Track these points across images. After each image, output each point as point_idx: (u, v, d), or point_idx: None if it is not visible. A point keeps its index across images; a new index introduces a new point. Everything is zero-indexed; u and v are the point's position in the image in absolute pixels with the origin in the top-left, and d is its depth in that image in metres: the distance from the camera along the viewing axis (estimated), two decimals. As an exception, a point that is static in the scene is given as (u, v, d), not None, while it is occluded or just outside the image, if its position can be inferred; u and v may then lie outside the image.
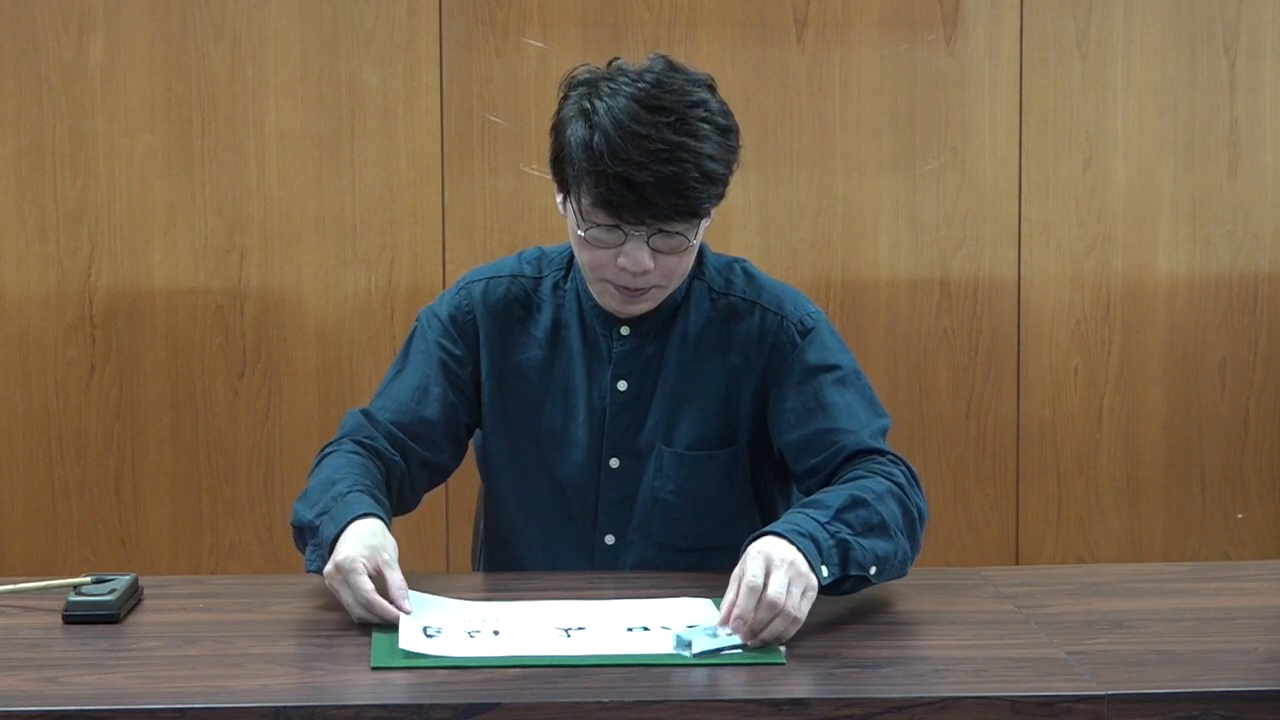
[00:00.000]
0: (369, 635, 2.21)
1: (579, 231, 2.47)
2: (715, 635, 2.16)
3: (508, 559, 2.68)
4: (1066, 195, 3.97)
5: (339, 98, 3.87)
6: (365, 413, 2.60)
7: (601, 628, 2.24)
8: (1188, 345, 4.02)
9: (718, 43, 3.89)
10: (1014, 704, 2.01)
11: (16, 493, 3.91)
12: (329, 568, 2.28)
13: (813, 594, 2.21)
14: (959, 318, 3.98)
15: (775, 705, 2.00)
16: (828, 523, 2.28)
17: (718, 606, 2.29)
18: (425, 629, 2.21)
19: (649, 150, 2.38)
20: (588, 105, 2.43)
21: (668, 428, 2.58)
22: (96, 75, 3.83)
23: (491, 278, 2.65)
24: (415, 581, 2.34)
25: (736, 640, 2.15)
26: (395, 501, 2.53)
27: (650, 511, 2.59)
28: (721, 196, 2.48)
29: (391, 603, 2.25)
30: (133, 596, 2.37)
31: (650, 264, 2.45)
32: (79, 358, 3.89)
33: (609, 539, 2.61)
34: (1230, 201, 3.99)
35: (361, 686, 2.06)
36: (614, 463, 2.59)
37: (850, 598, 2.33)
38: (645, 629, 2.23)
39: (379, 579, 2.27)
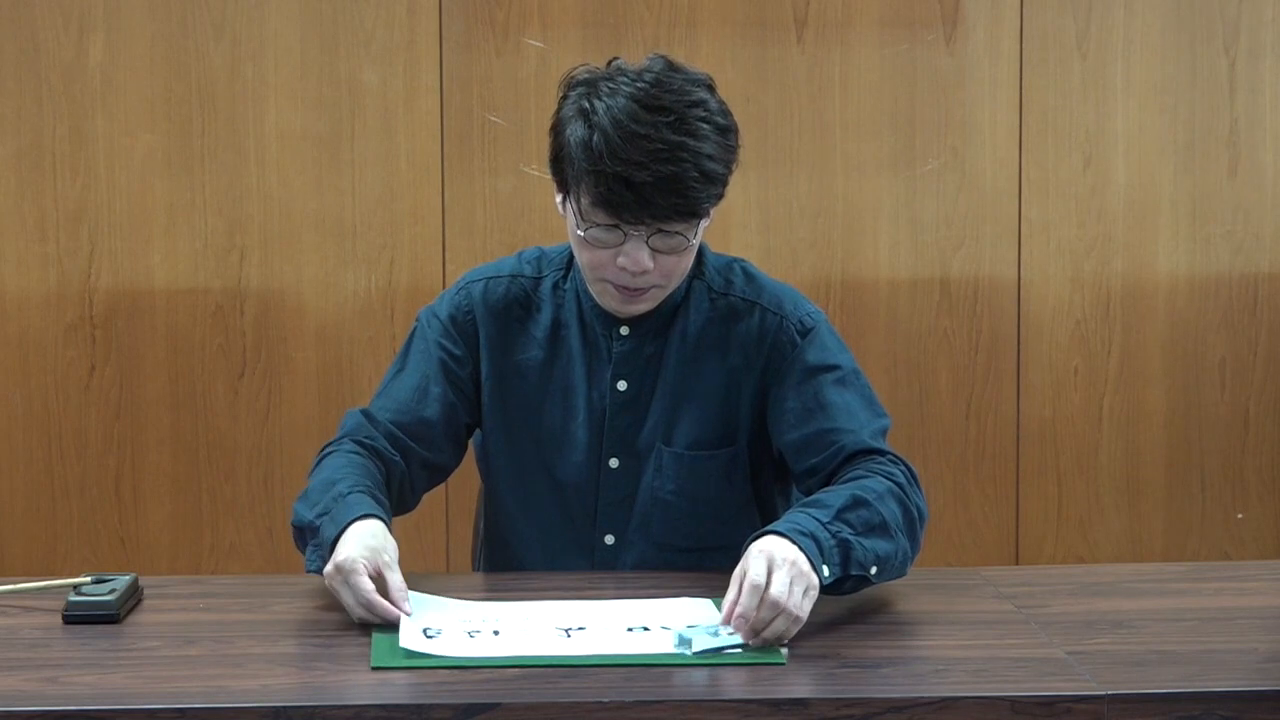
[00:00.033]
0: (369, 635, 2.21)
1: (578, 231, 2.47)
2: (717, 634, 2.16)
3: (508, 559, 2.68)
4: (1066, 195, 3.98)
5: (339, 98, 3.87)
6: (365, 413, 2.60)
7: (601, 628, 2.24)
8: (1188, 345, 4.02)
9: (718, 43, 3.89)
10: (1014, 704, 2.01)
11: (16, 493, 3.91)
12: (329, 568, 2.28)
13: (814, 593, 2.21)
14: (959, 318, 3.98)
15: (775, 705, 2.00)
16: (829, 522, 2.28)
17: (718, 607, 2.29)
18: (425, 630, 2.21)
19: (648, 150, 2.38)
20: (587, 105, 2.43)
21: (667, 428, 2.58)
22: (96, 75, 3.83)
23: (491, 278, 2.65)
24: (415, 581, 2.34)
25: (738, 639, 2.15)
26: (395, 501, 2.53)
27: (650, 511, 2.59)
28: (721, 196, 2.48)
29: (391, 604, 2.25)
30: (133, 596, 2.37)
31: (650, 264, 2.45)
32: (79, 358, 3.89)
33: (609, 539, 2.61)
34: (1230, 201, 3.99)
35: (361, 686, 2.06)
36: (614, 463, 2.59)
37: (850, 598, 2.33)
38: (645, 629, 2.23)
39: (379, 580, 2.27)
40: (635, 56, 2.52)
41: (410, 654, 2.13)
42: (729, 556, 2.41)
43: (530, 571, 2.62)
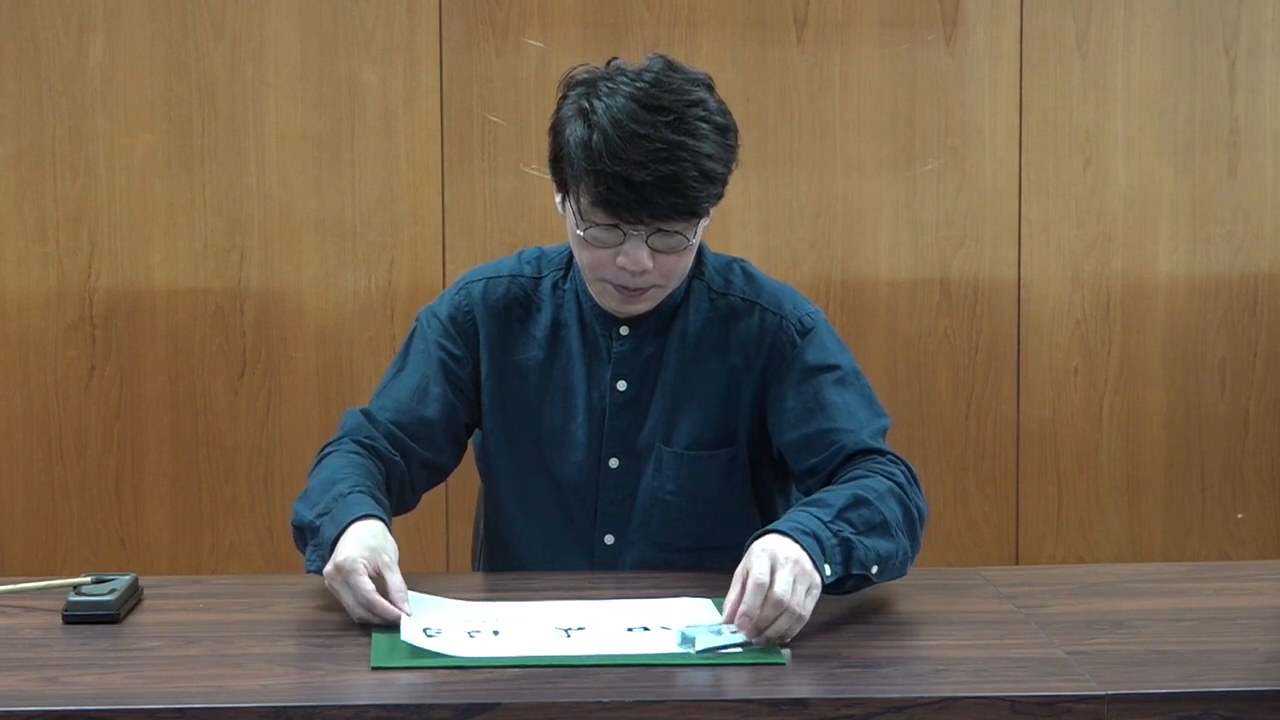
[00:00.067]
0: (369, 635, 2.21)
1: (578, 231, 2.47)
2: (720, 633, 2.16)
3: (508, 559, 2.68)
4: (1066, 195, 3.97)
5: (339, 98, 3.87)
6: (365, 412, 2.60)
7: (601, 628, 2.24)
8: (1188, 345, 4.02)
9: (718, 43, 3.89)
10: (1014, 704, 2.01)
11: (16, 493, 3.91)
12: (329, 568, 2.28)
13: (817, 592, 2.21)
14: (959, 318, 3.98)
15: (775, 705, 2.00)
16: (830, 521, 2.28)
17: (717, 607, 2.29)
18: (425, 630, 2.21)
19: (648, 149, 2.38)
20: (586, 105, 2.43)
21: (667, 428, 2.58)
22: (96, 75, 3.83)
23: (491, 278, 2.65)
24: (415, 582, 2.34)
25: (741, 638, 2.15)
26: (395, 502, 2.53)
27: (650, 511, 2.59)
28: (720, 196, 2.48)
29: (391, 604, 2.25)
30: (133, 596, 2.37)
31: (649, 263, 2.45)
32: (79, 358, 3.89)
33: (609, 539, 2.61)
34: (1230, 201, 3.99)
35: (361, 686, 2.06)
36: (613, 463, 2.59)
37: (850, 598, 2.33)
38: (645, 629, 2.23)
39: (379, 580, 2.26)
40: (635, 56, 2.52)
41: (411, 652, 2.13)
42: (729, 556, 2.41)
43: (530, 571, 2.62)
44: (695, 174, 2.40)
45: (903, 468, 2.45)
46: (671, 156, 2.38)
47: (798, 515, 2.29)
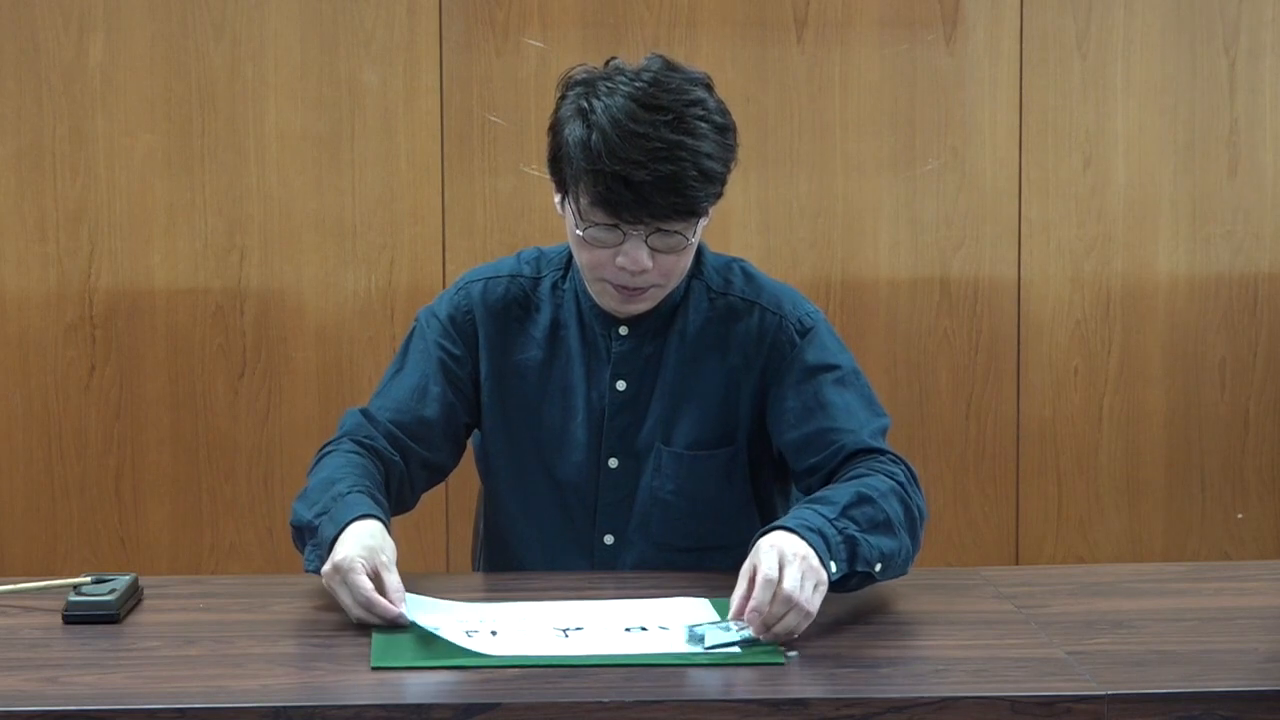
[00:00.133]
0: (369, 635, 2.21)
1: (577, 231, 2.47)
2: (728, 629, 2.16)
3: (507, 559, 2.68)
4: (1066, 195, 3.97)
5: (339, 98, 3.87)
6: (364, 412, 2.60)
7: (599, 628, 2.24)
8: (1188, 345, 4.02)
9: (718, 43, 3.89)
10: (1014, 704, 2.01)
11: (16, 493, 3.91)
12: (327, 567, 2.28)
13: (824, 589, 2.21)
14: (959, 318, 3.98)
15: (775, 705, 2.00)
16: (835, 519, 2.28)
17: (714, 606, 2.29)
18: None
19: (647, 149, 2.38)
20: (585, 105, 2.43)
21: (666, 427, 2.58)
22: (96, 75, 3.83)
23: (490, 278, 2.65)
24: (415, 582, 2.34)
25: (749, 633, 2.15)
26: (394, 501, 2.53)
27: (649, 511, 2.59)
28: (719, 195, 2.48)
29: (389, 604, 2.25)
30: (133, 596, 2.37)
31: (649, 263, 2.45)
32: (79, 358, 3.89)
33: (608, 539, 2.61)
34: (1230, 201, 3.99)
35: (361, 686, 2.06)
36: (613, 462, 2.59)
37: (850, 597, 2.33)
38: (643, 629, 2.23)
39: (376, 580, 2.26)
40: (635, 56, 2.52)
41: (413, 651, 2.13)
42: (729, 556, 2.41)
43: (530, 571, 2.62)
44: (694, 173, 2.40)
45: (903, 467, 2.46)
46: (670, 156, 2.38)
47: (802, 512, 2.29)
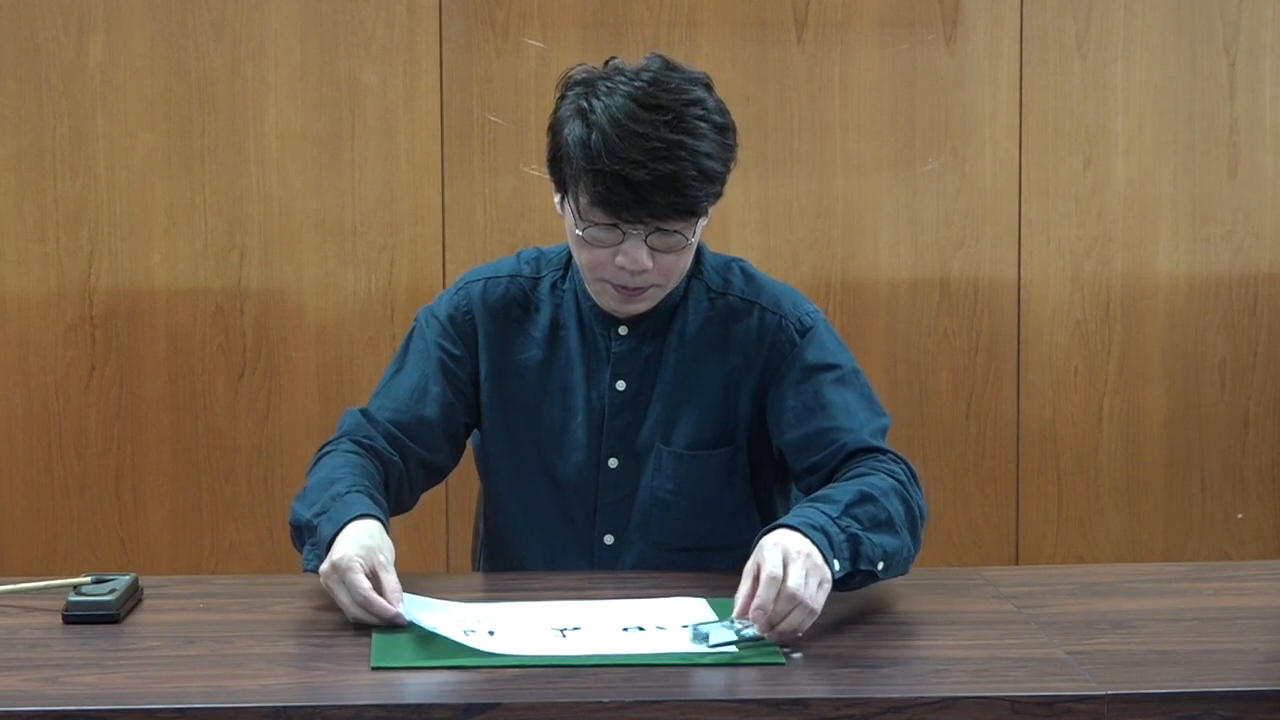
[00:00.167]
0: (369, 635, 2.21)
1: (577, 231, 2.47)
2: (732, 627, 2.16)
3: (507, 559, 2.68)
4: (1066, 195, 3.97)
5: (339, 98, 3.87)
6: (364, 412, 2.60)
7: (597, 628, 2.24)
8: (1188, 345, 4.02)
9: (718, 43, 3.89)
10: (1014, 704, 2.01)
11: (16, 493, 3.91)
12: (325, 566, 2.28)
13: (828, 586, 2.21)
14: (959, 318, 3.98)
15: (775, 705, 2.00)
16: (838, 517, 2.29)
17: (712, 607, 2.29)
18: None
19: (646, 149, 2.38)
20: (585, 104, 2.43)
21: (666, 427, 2.58)
22: (96, 75, 3.83)
23: (490, 278, 2.65)
24: (415, 582, 2.34)
25: (754, 632, 2.15)
26: (393, 501, 2.53)
27: (649, 511, 2.59)
28: (719, 195, 2.48)
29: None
30: (133, 596, 2.37)
31: (649, 263, 2.45)
32: (79, 358, 3.89)
33: (608, 539, 2.61)
34: (1230, 201, 3.99)
35: (361, 686, 2.06)
36: (613, 462, 2.59)
37: (851, 597, 2.33)
38: (640, 629, 2.23)
39: (374, 580, 2.26)
40: (635, 56, 2.52)
41: (413, 651, 2.13)
42: (729, 556, 2.41)
43: (530, 571, 2.62)
44: (694, 173, 2.40)
45: (904, 466, 2.46)
46: (670, 155, 2.38)
47: (805, 511, 2.29)
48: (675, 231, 2.45)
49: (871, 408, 2.55)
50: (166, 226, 3.87)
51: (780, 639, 2.16)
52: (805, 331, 2.57)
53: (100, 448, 3.91)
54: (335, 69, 3.86)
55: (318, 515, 2.37)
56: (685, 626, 2.21)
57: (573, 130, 2.43)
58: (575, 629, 2.23)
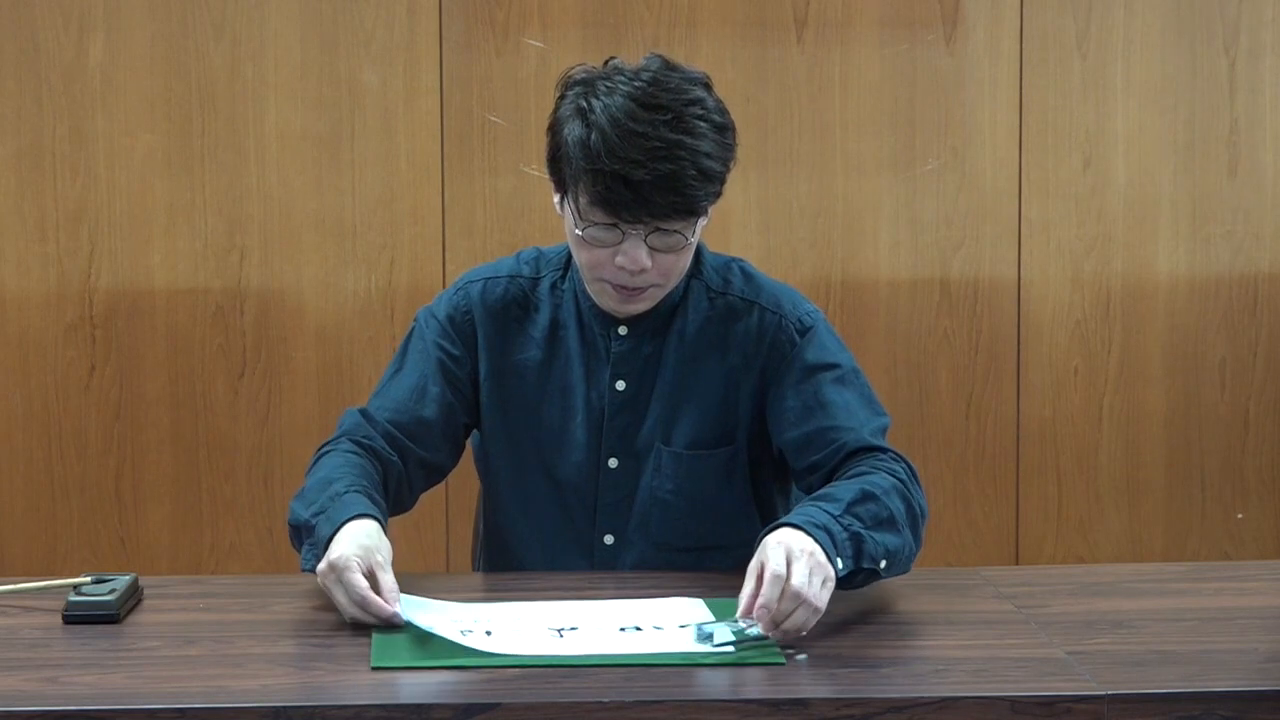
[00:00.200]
0: (369, 635, 2.21)
1: (577, 231, 2.47)
2: (737, 625, 2.16)
3: (507, 559, 2.68)
4: (1066, 195, 3.97)
5: (339, 98, 3.87)
6: (363, 412, 2.60)
7: (594, 628, 2.24)
8: (1188, 345, 4.02)
9: (718, 43, 3.89)
10: (1014, 704, 2.01)
11: (16, 493, 3.91)
12: (322, 566, 2.28)
13: (831, 585, 2.21)
14: (959, 318, 3.98)
15: (775, 705, 2.00)
16: (840, 516, 2.29)
17: (710, 607, 2.29)
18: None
19: (646, 148, 2.38)
20: (584, 104, 2.43)
21: (666, 427, 2.58)
22: (96, 75, 3.83)
23: (489, 278, 2.65)
24: (414, 582, 2.34)
25: (758, 630, 2.15)
26: (392, 502, 2.53)
27: (649, 511, 2.59)
28: (719, 195, 2.48)
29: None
30: (133, 596, 2.37)
31: (648, 263, 2.45)
32: (79, 358, 3.89)
33: (608, 539, 2.61)
34: (1230, 201, 3.99)
35: (361, 686, 2.06)
36: (613, 462, 2.59)
37: (851, 597, 2.32)
38: (637, 629, 2.23)
39: (371, 579, 2.26)
40: (635, 56, 2.52)
41: (412, 651, 2.13)
42: (728, 556, 2.41)
43: (530, 571, 2.62)
44: (694, 173, 2.40)
45: (904, 465, 2.46)
46: (670, 155, 2.38)
47: (807, 509, 2.29)
48: (675, 231, 2.45)
49: (871, 407, 2.55)
50: (166, 226, 3.87)
51: (784, 638, 2.16)
52: (805, 331, 2.57)
53: (100, 448, 3.91)
54: (335, 69, 3.86)
55: (316, 515, 2.37)
56: (684, 626, 2.21)
57: (572, 130, 2.43)
58: (572, 629, 2.23)
